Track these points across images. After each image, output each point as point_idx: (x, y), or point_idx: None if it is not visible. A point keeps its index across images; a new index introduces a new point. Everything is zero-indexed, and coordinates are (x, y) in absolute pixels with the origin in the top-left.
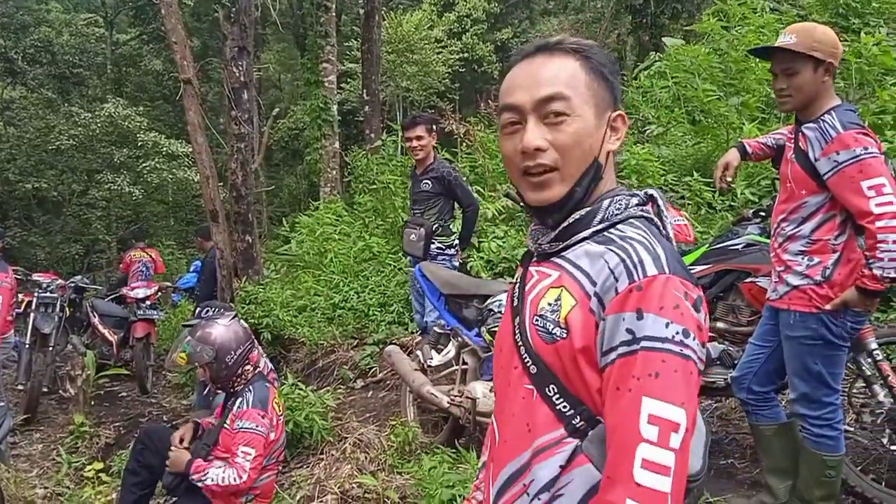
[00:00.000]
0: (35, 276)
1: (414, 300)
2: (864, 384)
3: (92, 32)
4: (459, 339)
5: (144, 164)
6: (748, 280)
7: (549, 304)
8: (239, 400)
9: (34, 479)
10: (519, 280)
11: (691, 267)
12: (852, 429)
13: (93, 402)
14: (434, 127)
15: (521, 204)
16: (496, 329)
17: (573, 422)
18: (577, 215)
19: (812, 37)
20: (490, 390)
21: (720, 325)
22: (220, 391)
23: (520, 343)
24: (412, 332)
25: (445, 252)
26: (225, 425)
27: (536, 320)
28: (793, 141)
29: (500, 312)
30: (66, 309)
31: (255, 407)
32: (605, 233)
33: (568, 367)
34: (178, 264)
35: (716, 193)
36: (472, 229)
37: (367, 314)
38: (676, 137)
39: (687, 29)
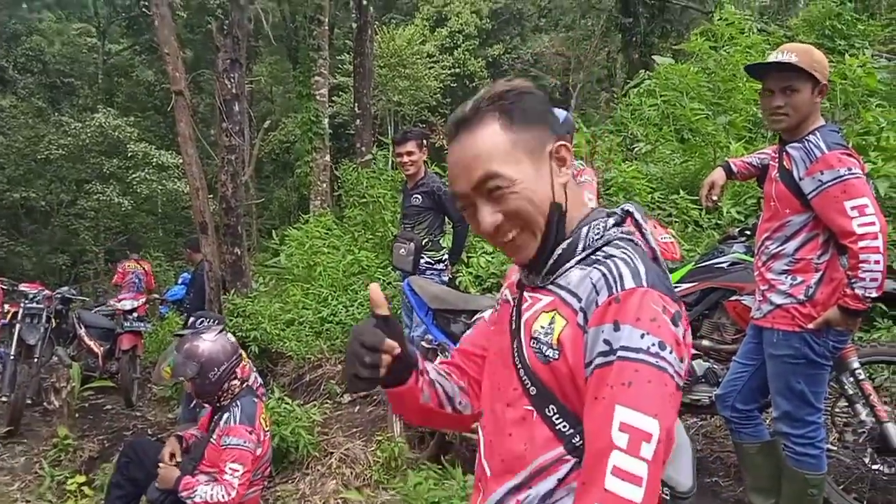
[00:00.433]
0: (21, 287)
1: (403, 315)
2: (846, 403)
3: (84, 42)
4: (446, 354)
5: (134, 175)
6: (733, 298)
7: (542, 328)
8: (226, 415)
9: (16, 493)
10: (516, 304)
11: (677, 284)
12: (835, 448)
13: (77, 415)
14: (425, 142)
15: None
16: None
17: (573, 441)
18: (559, 250)
19: (812, 57)
20: None
21: (705, 342)
22: (205, 405)
23: (518, 366)
24: None
25: (434, 267)
26: (211, 440)
27: (532, 343)
28: (777, 160)
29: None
30: (52, 320)
31: (242, 423)
32: (592, 256)
33: (565, 386)
34: (166, 276)
35: (702, 211)
36: (462, 244)
37: None
38: (664, 155)
39: (676, 48)
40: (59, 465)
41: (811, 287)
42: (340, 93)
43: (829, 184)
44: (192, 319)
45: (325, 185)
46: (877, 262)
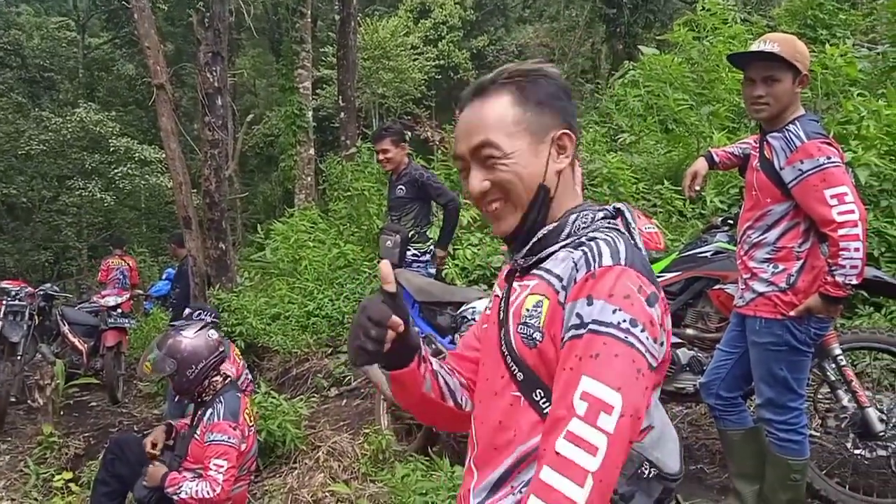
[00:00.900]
0: (3, 284)
1: None
2: (828, 390)
3: (63, 36)
4: (433, 346)
5: (116, 170)
6: (717, 287)
7: (528, 311)
8: (209, 411)
9: (1, 491)
10: (504, 294)
11: (661, 274)
12: (817, 433)
13: (62, 412)
14: (404, 138)
15: None
16: None
17: None
18: (545, 231)
19: (794, 47)
20: None
21: (689, 331)
22: (187, 401)
23: (506, 352)
24: None
25: (420, 259)
26: (195, 436)
27: (521, 328)
28: (758, 150)
29: (473, 319)
30: (36, 317)
31: (225, 419)
32: (577, 240)
33: (551, 368)
34: (150, 272)
35: (686, 201)
36: (453, 226)
37: (341, 322)
38: (648, 146)
39: (659, 38)
40: (44, 463)
41: (793, 275)
42: (324, 85)
43: (809, 173)
44: (188, 311)
45: (309, 178)
46: (856, 249)
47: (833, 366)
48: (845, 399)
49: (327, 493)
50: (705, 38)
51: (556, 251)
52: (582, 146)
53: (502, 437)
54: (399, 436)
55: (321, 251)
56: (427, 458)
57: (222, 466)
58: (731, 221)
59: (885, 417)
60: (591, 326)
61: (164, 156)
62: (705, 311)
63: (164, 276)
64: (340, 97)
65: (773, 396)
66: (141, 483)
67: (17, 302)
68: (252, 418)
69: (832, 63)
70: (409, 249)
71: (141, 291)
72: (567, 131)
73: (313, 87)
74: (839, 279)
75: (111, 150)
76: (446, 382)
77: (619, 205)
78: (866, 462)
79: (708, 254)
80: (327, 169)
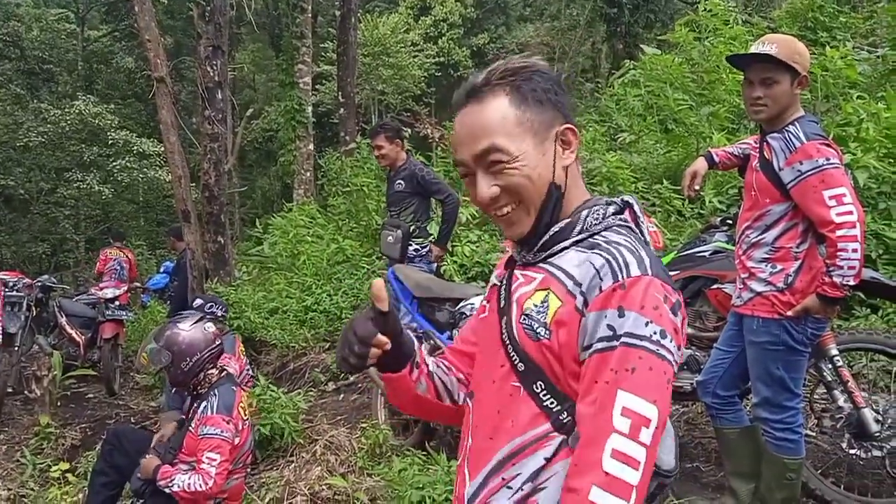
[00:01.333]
0: (1, 275)
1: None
2: (825, 390)
3: (63, 28)
4: (431, 342)
5: (115, 163)
6: (715, 286)
7: (535, 306)
8: (204, 404)
9: None
10: (505, 282)
11: None
12: (813, 433)
13: (59, 404)
14: (400, 135)
15: None
16: None
17: (560, 417)
18: (556, 227)
19: (793, 49)
20: None
21: (687, 330)
22: (182, 394)
23: (507, 342)
24: None
25: (421, 253)
26: (189, 429)
27: (523, 319)
28: (758, 150)
29: (472, 315)
30: (33, 308)
31: (219, 412)
32: (591, 239)
33: (554, 364)
34: (147, 265)
35: (685, 201)
36: (452, 221)
37: (339, 317)
38: (648, 145)
39: (660, 38)
40: (41, 454)
41: (790, 275)
42: (324, 81)
43: (808, 173)
44: (198, 303)
45: (308, 173)
46: (854, 250)
47: (829, 366)
48: (841, 399)
49: (324, 487)
50: (706, 38)
51: (566, 247)
52: (582, 145)
53: (499, 425)
54: (396, 430)
55: (319, 246)
56: (424, 453)
57: (215, 460)
58: (729, 221)
59: (880, 418)
60: (624, 339)
61: (162, 149)
62: (703, 310)
63: (161, 270)
64: (340, 93)
65: (770, 396)
66: (137, 475)
67: (14, 293)
68: (246, 412)
69: (832, 65)
70: (409, 244)
71: (138, 284)
72: (569, 125)
73: (313, 82)
74: (837, 280)
75: (110, 142)
76: (443, 382)
77: (627, 198)
78: (861, 462)
79: (706, 253)
80: (326, 164)
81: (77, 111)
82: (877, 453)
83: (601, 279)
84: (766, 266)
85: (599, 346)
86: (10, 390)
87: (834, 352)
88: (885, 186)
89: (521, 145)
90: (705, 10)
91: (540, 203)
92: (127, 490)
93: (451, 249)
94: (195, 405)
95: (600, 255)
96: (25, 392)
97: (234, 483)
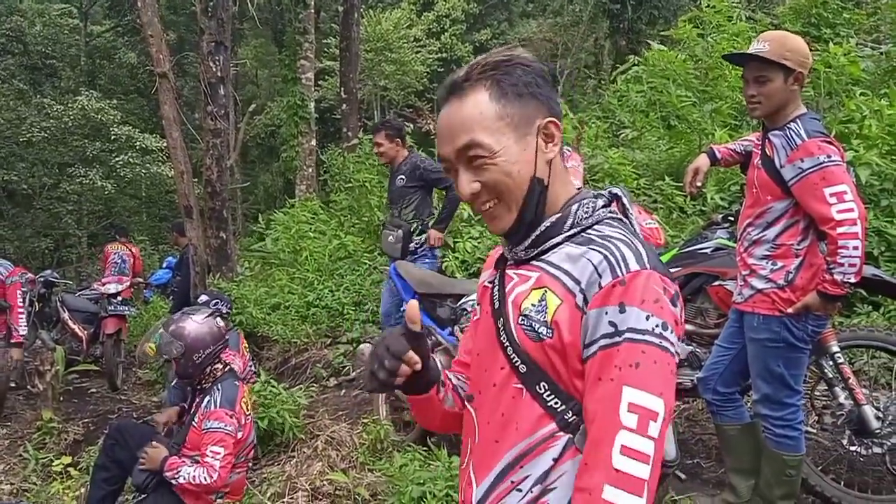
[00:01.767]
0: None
1: (383, 296)
2: (825, 387)
3: (65, 23)
4: (433, 338)
5: (117, 159)
6: (716, 283)
7: (534, 305)
8: (207, 399)
9: (0, 476)
10: (497, 282)
11: None
12: (814, 430)
13: (62, 398)
14: (401, 134)
15: None
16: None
17: (565, 417)
18: (548, 222)
19: (784, 46)
20: None
21: (688, 326)
22: (187, 387)
23: (506, 344)
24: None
25: (424, 246)
26: (193, 424)
27: (521, 320)
28: (760, 147)
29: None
30: (36, 303)
31: (222, 406)
32: (584, 234)
33: (557, 363)
34: (150, 260)
35: (687, 198)
36: (452, 209)
37: (341, 313)
38: (650, 142)
39: (663, 34)
40: (43, 448)
41: (791, 272)
42: (326, 77)
43: (809, 171)
44: (204, 298)
45: (310, 169)
46: (855, 248)
47: (830, 363)
48: (842, 396)
49: (325, 482)
50: (709, 35)
51: (559, 242)
52: (584, 141)
53: (504, 428)
54: (397, 426)
55: (322, 242)
56: (425, 448)
57: (219, 453)
58: (731, 218)
59: (881, 415)
60: (627, 335)
61: (165, 145)
62: (704, 307)
63: (164, 265)
64: (342, 89)
65: (770, 392)
66: (139, 468)
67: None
68: (249, 407)
69: (835, 62)
70: (412, 241)
71: (141, 280)
72: (552, 118)
73: (315, 78)
74: (838, 277)
75: (112, 138)
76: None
77: (615, 189)
78: (862, 459)
79: (708, 250)
80: (328, 160)
81: (80, 107)
82: (877, 450)
83: (600, 276)
84: (767, 263)
85: (603, 343)
86: (12, 385)
87: (835, 349)
88: (887, 183)
89: (502, 140)
90: (708, 6)
91: (522, 198)
92: (129, 485)
93: (452, 246)
94: (198, 400)
95: (597, 251)
96: (28, 386)
97: (235, 478)
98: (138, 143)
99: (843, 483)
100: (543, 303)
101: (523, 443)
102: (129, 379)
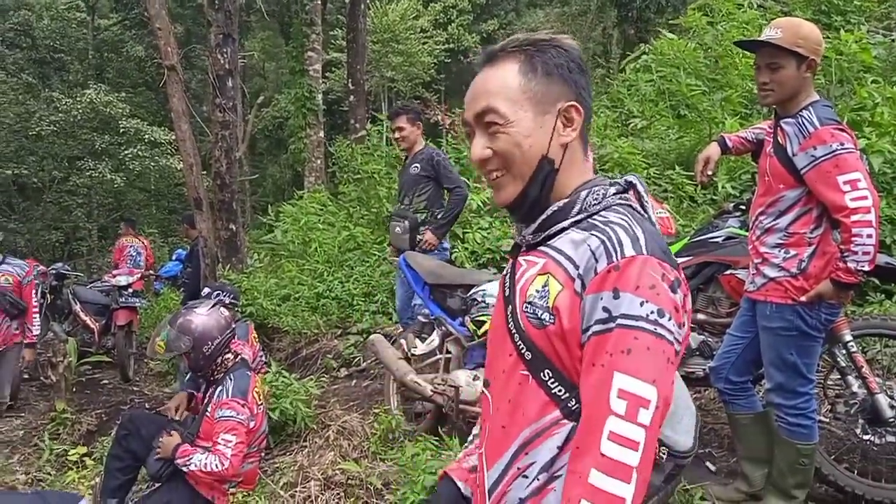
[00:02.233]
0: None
1: (397, 289)
2: (838, 375)
3: (73, 17)
4: (443, 328)
5: (126, 152)
6: (728, 272)
7: (537, 291)
8: (219, 389)
9: (15, 465)
10: (509, 270)
11: None
12: (826, 419)
13: (74, 389)
14: (420, 118)
15: None
16: (480, 318)
17: (569, 404)
18: (555, 207)
19: (797, 33)
20: (473, 379)
21: (700, 316)
22: (200, 379)
23: (513, 331)
24: (396, 322)
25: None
26: (206, 414)
27: (526, 307)
28: (772, 135)
29: (483, 302)
30: (48, 296)
31: (234, 396)
32: (589, 220)
33: (560, 350)
34: (160, 252)
35: (697, 187)
36: (454, 212)
37: (351, 304)
38: (660, 131)
39: (672, 23)
40: (57, 439)
41: (804, 260)
42: (333, 69)
43: (822, 159)
44: (206, 291)
45: (319, 161)
46: (869, 236)
47: (843, 352)
48: (855, 385)
49: (337, 472)
50: (719, 23)
51: (566, 227)
52: (593, 131)
53: (511, 415)
54: (409, 416)
55: (331, 233)
56: (436, 438)
57: (230, 441)
58: (742, 207)
59: (894, 404)
60: (619, 321)
61: (173, 137)
62: (716, 296)
63: (174, 257)
64: (350, 80)
65: (783, 381)
66: (153, 458)
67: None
68: (261, 396)
69: (846, 49)
70: (419, 233)
71: (152, 272)
72: (575, 104)
73: (323, 70)
74: (851, 265)
75: (121, 131)
76: None
77: (630, 177)
78: (875, 448)
79: (719, 239)
80: (336, 152)
81: (88, 100)
82: (891, 439)
83: (597, 261)
84: (780, 251)
85: (596, 328)
86: (26, 376)
87: (848, 337)
88: None
89: (518, 112)
90: None
91: (529, 174)
92: (143, 474)
93: (461, 236)
94: (211, 391)
95: (596, 236)
96: (41, 378)
97: (248, 467)
98: (147, 136)
99: (856, 472)
100: (546, 289)
101: (529, 429)
102: (140, 370)
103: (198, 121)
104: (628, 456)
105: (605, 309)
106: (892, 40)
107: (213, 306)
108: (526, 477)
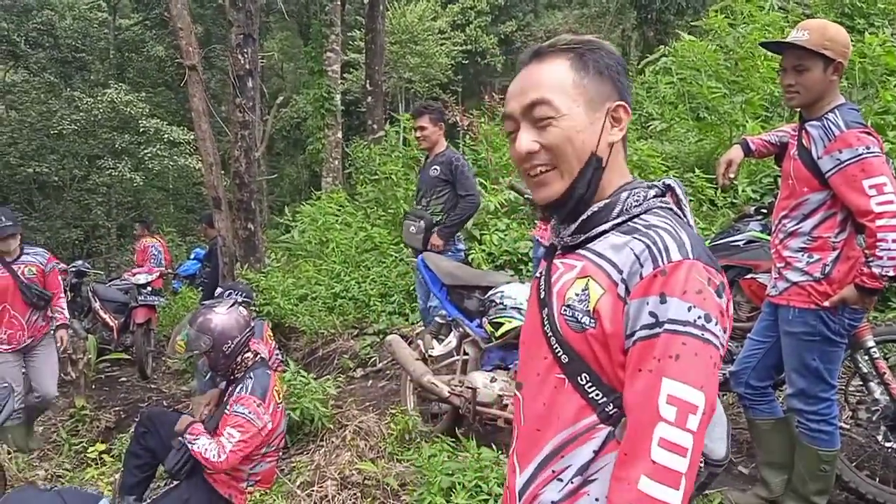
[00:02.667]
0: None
1: (417, 290)
2: (860, 382)
3: (95, 17)
4: (461, 329)
5: (146, 151)
6: (748, 276)
7: (577, 294)
8: (239, 387)
9: (35, 461)
10: (544, 273)
11: None
12: (848, 425)
13: (93, 386)
14: (443, 118)
15: (526, 196)
16: (497, 320)
17: (606, 409)
18: (595, 208)
19: (825, 35)
20: (490, 380)
21: None
22: (220, 378)
23: (549, 334)
24: (413, 323)
25: (453, 242)
26: (225, 411)
27: (564, 310)
28: (796, 138)
29: (501, 304)
30: (67, 293)
31: (253, 394)
32: (630, 223)
33: (599, 354)
34: (178, 251)
35: (718, 190)
36: (462, 218)
37: (367, 304)
38: (680, 134)
39: (692, 25)
40: (76, 435)
41: (828, 265)
42: (351, 69)
43: (848, 162)
44: (219, 291)
45: (336, 161)
46: (894, 241)
47: (866, 358)
48: (877, 392)
49: (354, 472)
50: (740, 25)
51: (606, 230)
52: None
53: (546, 418)
54: (425, 417)
55: (348, 234)
56: (453, 439)
57: (234, 437)
58: (763, 210)
59: None
60: (667, 326)
61: (192, 137)
62: (736, 300)
63: (192, 256)
64: (368, 81)
65: (805, 387)
66: (172, 454)
67: None
68: (280, 396)
69: (870, 52)
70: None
71: (170, 270)
72: (623, 104)
73: (341, 71)
74: (876, 270)
75: (141, 130)
76: None
77: (669, 181)
78: None
79: (740, 243)
80: (354, 153)
81: (109, 99)
82: None
83: (641, 265)
84: (803, 256)
85: (642, 333)
86: None
87: (870, 343)
88: None
89: (572, 106)
90: None
91: (577, 170)
92: (161, 471)
93: (479, 238)
94: (231, 389)
95: (640, 240)
96: (61, 374)
97: (266, 467)
98: (166, 136)
99: (878, 479)
100: (586, 292)
101: (564, 433)
102: (158, 368)
103: (217, 120)
104: (678, 462)
105: (651, 314)
106: None
107: (232, 305)
108: (560, 480)
